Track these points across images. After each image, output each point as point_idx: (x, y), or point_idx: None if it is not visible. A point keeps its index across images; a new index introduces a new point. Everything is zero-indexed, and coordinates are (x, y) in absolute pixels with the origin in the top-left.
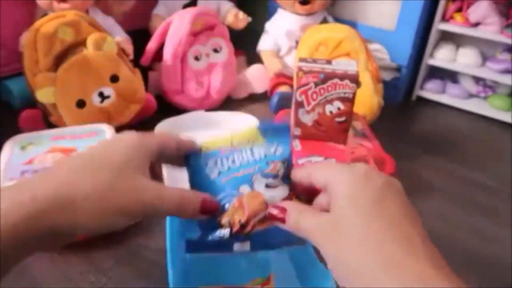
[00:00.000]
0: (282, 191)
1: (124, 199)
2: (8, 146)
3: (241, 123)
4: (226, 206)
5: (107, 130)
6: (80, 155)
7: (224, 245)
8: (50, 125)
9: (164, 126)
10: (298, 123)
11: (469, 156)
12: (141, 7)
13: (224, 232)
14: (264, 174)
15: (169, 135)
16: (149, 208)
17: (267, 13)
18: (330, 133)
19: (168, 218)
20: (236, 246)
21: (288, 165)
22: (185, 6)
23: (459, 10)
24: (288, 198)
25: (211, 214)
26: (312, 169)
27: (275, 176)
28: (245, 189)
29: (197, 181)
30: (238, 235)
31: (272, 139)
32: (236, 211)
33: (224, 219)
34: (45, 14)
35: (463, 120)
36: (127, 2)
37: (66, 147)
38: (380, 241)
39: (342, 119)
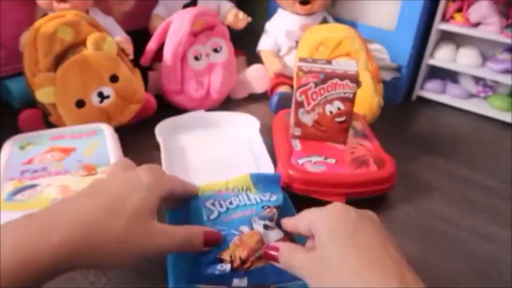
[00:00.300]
0: (278, 233)
1: (141, 243)
2: (7, 146)
3: (241, 123)
4: (229, 243)
5: (107, 130)
6: (100, 197)
7: (224, 279)
8: (50, 125)
9: (164, 126)
10: (298, 123)
11: (469, 156)
12: (141, 7)
13: (225, 267)
14: (261, 217)
15: (178, 179)
16: (162, 249)
17: (267, 13)
18: (330, 133)
19: (168, 219)
20: (235, 282)
21: (281, 212)
22: (185, 6)
23: (459, 10)
24: (283, 239)
25: (214, 244)
26: (298, 218)
27: (271, 219)
28: (244, 229)
29: (198, 222)
30: (238, 270)
31: (263, 190)
32: (237, 248)
33: (225, 255)
34: (45, 14)
35: (463, 120)
36: (127, 2)
37: (66, 146)
38: (356, 266)
39: (342, 119)
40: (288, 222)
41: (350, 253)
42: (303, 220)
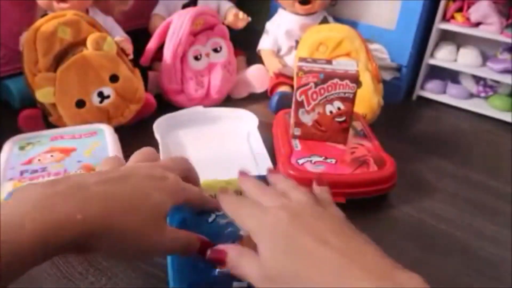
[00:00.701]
0: None
1: (150, 243)
2: (7, 146)
3: (239, 119)
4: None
5: (107, 130)
6: (126, 187)
7: (224, 282)
8: (50, 125)
9: (162, 123)
10: (298, 123)
11: (469, 156)
12: (141, 6)
13: (225, 269)
14: None
15: (200, 194)
16: (166, 251)
17: (268, 13)
18: (330, 133)
19: (168, 219)
20: (235, 284)
21: None
22: (185, 5)
23: (460, 9)
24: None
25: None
26: (236, 216)
27: None
28: (245, 233)
29: (196, 224)
30: None
31: None
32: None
33: None
34: (45, 14)
35: (464, 120)
36: (127, 1)
37: (66, 147)
38: (304, 279)
39: (342, 119)
40: (227, 208)
41: (296, 266)
42: (242, 224)
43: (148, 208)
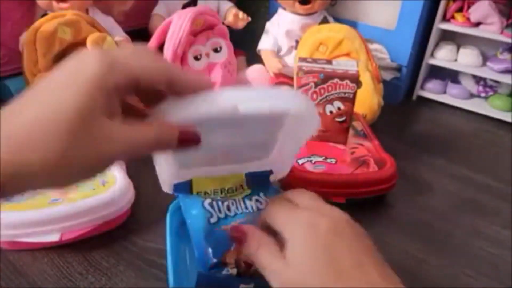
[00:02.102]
0: None
1: (85, 159)
2: None
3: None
4: (231, 247)
5: None
6: (29, 114)
7: (231, 284)
8: None
9: (166, 105)
10: None
11: (469, 156)
12: (141, 6)
13: (231, 271)
14: None
15: (158, 68)
16: (121, 157)
17: (268, 13)
18: (330, 133)
19: (168, 219)
20: (242, 286)
21: None
22: (185, 5)
23: (460, 9)
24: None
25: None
26: (267, 212)
27: None
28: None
29: (198, 225)
30: (245, 274)
31: (257, 190)
32: (241, 252)
33: (229, 258)
34: (44, 14)
35: (464, 120)
36: (127, 1)
37: None
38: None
39: (342, 119)
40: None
41: (319, 272)
42: (273, 220)
43: (62, 129)
